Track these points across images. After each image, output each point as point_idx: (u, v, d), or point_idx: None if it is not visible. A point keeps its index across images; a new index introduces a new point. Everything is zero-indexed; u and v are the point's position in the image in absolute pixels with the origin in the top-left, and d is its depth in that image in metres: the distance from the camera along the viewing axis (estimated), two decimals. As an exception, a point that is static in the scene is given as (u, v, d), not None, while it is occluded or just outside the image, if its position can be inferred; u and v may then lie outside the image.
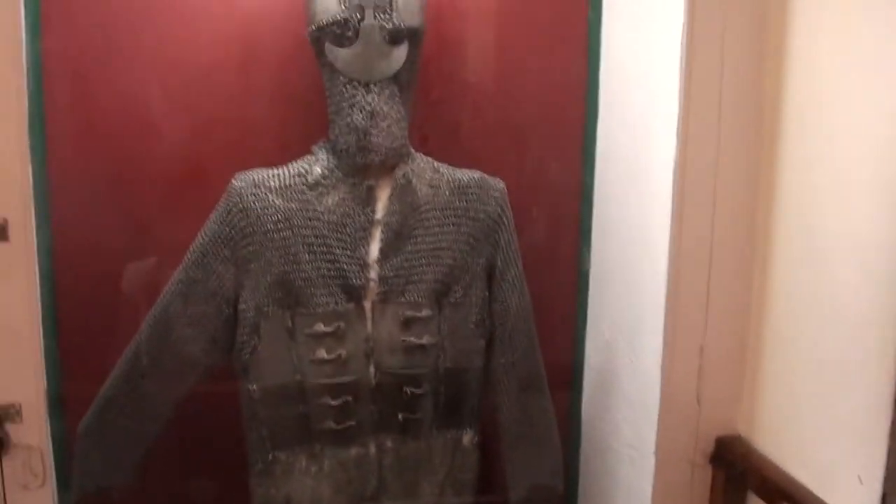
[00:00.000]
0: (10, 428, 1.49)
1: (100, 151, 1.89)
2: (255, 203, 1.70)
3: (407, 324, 1.72)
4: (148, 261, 1.89)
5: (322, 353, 1.70)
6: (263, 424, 1.75)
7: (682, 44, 1.57)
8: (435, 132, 1.93)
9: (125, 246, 1.90)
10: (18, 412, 1.49)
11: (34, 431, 1.51)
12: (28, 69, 1.53)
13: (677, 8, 1.60)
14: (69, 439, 1.78)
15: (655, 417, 1.71)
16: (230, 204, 1.69)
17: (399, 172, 1.73)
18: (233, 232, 1.71)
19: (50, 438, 1.58)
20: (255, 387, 1.74)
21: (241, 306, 1.72)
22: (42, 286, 1.65)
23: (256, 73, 1.91)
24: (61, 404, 1.80)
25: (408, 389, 1.73)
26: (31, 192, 1.47)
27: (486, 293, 1.79)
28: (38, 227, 1.55)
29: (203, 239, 1.70)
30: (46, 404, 1.56)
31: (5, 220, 1.43)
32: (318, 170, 1.72)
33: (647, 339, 1.76)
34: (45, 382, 1.56)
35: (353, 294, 1.71)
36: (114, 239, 1.90)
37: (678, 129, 1.59)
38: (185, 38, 1.87)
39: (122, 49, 1.85)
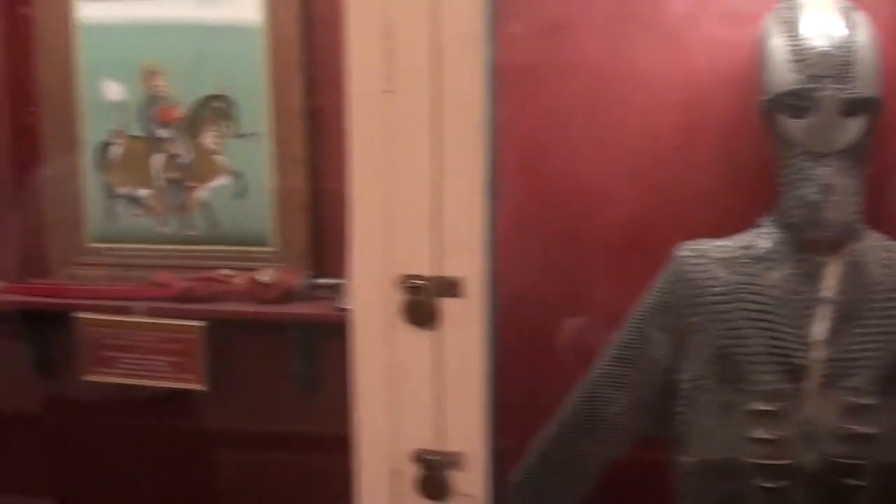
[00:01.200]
0: (453, 476, 1.74)
1: (545, 214, 2.17)
2: (699, 274, 1.87)
3: (850, 410, 1.77)
4: (586, 322, 2.18)
5: (760, 433, 1.80)
6: (693, 498, 1.90)
7: None
8: (888, 207, 1.97)
9: (565, 306, 2.14)
10: (462, 461, 1.74)
11: (475, 481, 1.74)
12: (485, 136, 1.73)
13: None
14: (501, 491, 1.96)
15: None
16: (674, 273, 1.86)
17: (849, 249, 1.81)
18: (675, 301, 1.87)
19: (489, 489, 1.78)
20: (687, 459, 1.88)
21: (679, 377, 1.89)
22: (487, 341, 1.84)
23: (701, 142, 2.07)
24: (497, 456, 1.98)
25: (846, 480, 1.76)
26: (485, 251, 1.71)
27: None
28: (487, 283, 1.74)
29: (644, 306, 1.88)
30: (488, 455, 1.77)
31: (462, 279, 1.71)
32: (764, 243, 1.86)
33: None
34: (488, 433, 1.77)
35: (795, 374, 1.79)
36: (555, 298, 2.15)
37: None
38: (631, 104, 2.09)
39: (571, 116, 2.14)
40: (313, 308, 2.46)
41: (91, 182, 2.55)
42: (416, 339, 1.75)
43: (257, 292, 2.36)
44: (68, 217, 2.56)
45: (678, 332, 1.89)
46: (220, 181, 2.50)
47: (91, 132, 2.55)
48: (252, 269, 2.48)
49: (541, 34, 2.17)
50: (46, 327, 2.64)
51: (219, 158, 2.49)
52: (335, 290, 2.44)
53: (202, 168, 2.53)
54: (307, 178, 2.48)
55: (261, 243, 2.51)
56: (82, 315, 2.43)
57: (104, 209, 2.54)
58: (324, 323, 2.45)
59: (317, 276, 2.51)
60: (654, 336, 1.91)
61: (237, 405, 2.63)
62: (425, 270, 1.73)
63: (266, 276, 2.36)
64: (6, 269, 2.60)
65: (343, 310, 2.20)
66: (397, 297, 1.72)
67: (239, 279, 2.38)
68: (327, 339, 2.50)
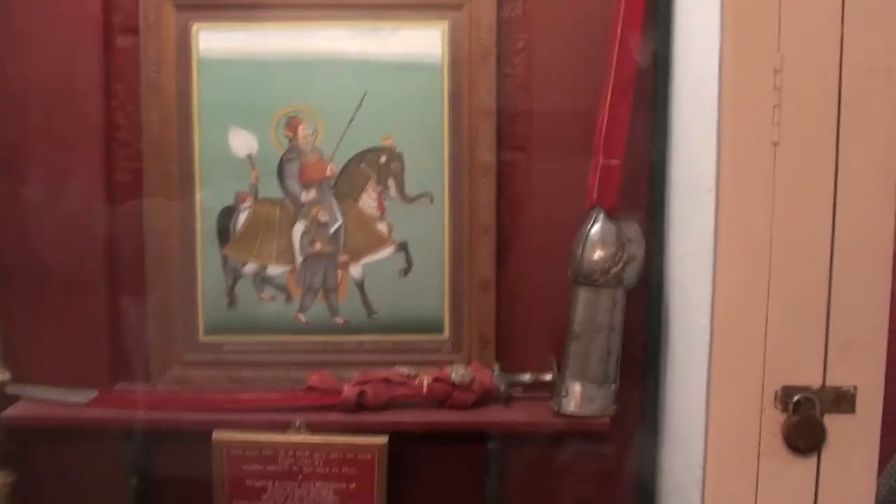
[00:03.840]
0: None
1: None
2: None
3: None
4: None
5: None
6: None
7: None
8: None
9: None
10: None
11: None
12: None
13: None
14: None
15: None
16: None
17: None
18: None
19: None
20: None
21: None
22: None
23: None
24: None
25: None
26: (882, 357, 1.57)
27: None
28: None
29: None
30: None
31: (854, 390, 1.56)
32: None
33: None
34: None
35: None
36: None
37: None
38: None
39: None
40: (522, 414, 2.08)
41: (209, 258, 2.08)
42: (797, 468, 1.47)
43: (451, 396, 1.91)
44: (177, 303, 2.06)
45: None
46: (381, 254, 2.07)
47: (210, 194, 2.08)
48: (423, 364, 2.05)
49: None
50: (154, 449, 2.16)
51: (380, 226, 2.03)
52: (530, 387, 2.14)
53: (358, 238, 2.14)
54: (493, 250, 2.02)
55: (432, 330, 2.07)
56: (218, 435, 1.93)
57: (225, 292, 2.04)
58: (533, 433, 2.11)
59: (505, 371, 2.14)
60: None
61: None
62: (812, 380, 1.46)
63: (459, 374, 1.90)
64: (96, 373, 2.04)
65: (566, 415, 1.99)
66: (773, 415, 1.44)
67: (425, 379, 1.92)
68: (534, 451, 2.18)
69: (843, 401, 1.44)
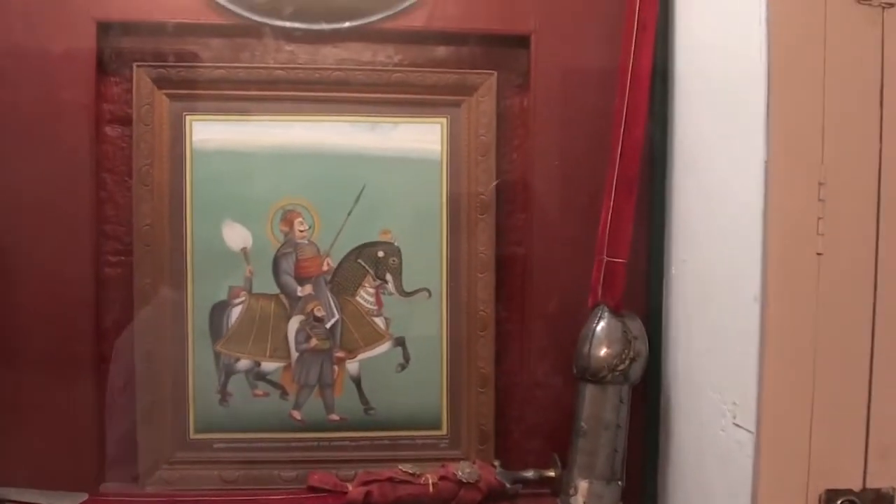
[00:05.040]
0: None
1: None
2: None
3: None
4: None
5: None
6: None
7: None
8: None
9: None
10: None
11: None
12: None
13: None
14: None
15: None
16: None
17: None
18: None
19: None
20: None
21: None
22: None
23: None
24: None
25: None
26: None
27: None
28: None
29: None
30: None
31: (893, 490, 1.62)
32: None
33: None
34: None
35: None
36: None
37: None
38: None
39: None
40: None
41: (199, 354, 2.05)
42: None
43: (457, 495, 1.93)
44: (167, 400, 2.02)
45: None
46: (379, 350, 2.08)
47: (202, 289, 2.04)
48: (420, 460, 2.06)
49: None
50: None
51: (377, 321, 2.05)
52: (531, 483, 2.15)
53: (354, 334, 2.13)
54: (492, 345, 2.06)
55: (429, 426, 2.09)
56: None
57: (217, 389, 2.03)
58: None
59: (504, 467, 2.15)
60: None
61: None
62: (853, 483, 1.52)
63: (465, 472, 1.93)
64: (81, 473, 1.99)
65: None
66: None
67: (430, 477, 1.93)
68: None
69: (882, 502, 1.50)
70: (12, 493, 1.96)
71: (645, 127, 1.90)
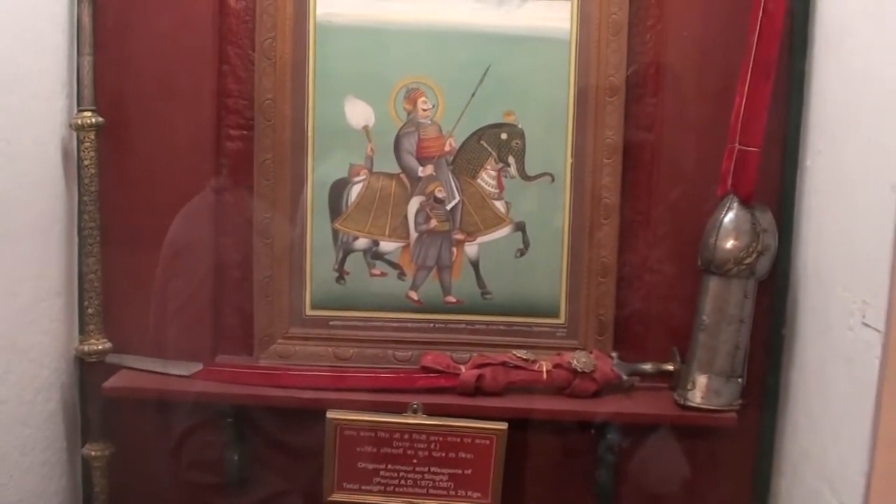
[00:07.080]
0: None
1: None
2: None
3: None
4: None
5: None
6: None
7: None
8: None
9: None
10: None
11: None
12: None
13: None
14: None
15: None
16: None
17: None
18: None
19: None
20: None
21: None
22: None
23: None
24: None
25: None
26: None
27: None
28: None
29: None
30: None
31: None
32: None
33: None
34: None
35: None
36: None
37: None
38: None
39: None
40: (645, 405, 2.12)
41: (318, 231, 2.10)
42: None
43: (571, 384, 1.93)
44: (284, 276, 2.06)
45: None
46: (498, 234, 2.07)
47: (323, 166, 2.07)
48: (536, 348, 2.05)
49: None
50: (257, 425, 2.22)
51: (498, 205, 2.03)
52: (648, 376, 2.16)
53: (474, 217, 2.15)
54: (615, 234, 2.02)
55: (547, 314, 2.08)
56: (332, 414, 2.01)
57: (334, 267, 2.05)
58: (651, 424, 2.13)
59: (622, 359, 2.14)
60: None
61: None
62: None
63: (581, 361, 1.92)
64: (197, 345, 2.05)
65: (691, 408, 2.03)
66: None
67: (544, 364, 1.93)
68: (652, 444, 2.18)
69: None
70: (130, 360, 2.04)
71: (785, 6, 1.80)
